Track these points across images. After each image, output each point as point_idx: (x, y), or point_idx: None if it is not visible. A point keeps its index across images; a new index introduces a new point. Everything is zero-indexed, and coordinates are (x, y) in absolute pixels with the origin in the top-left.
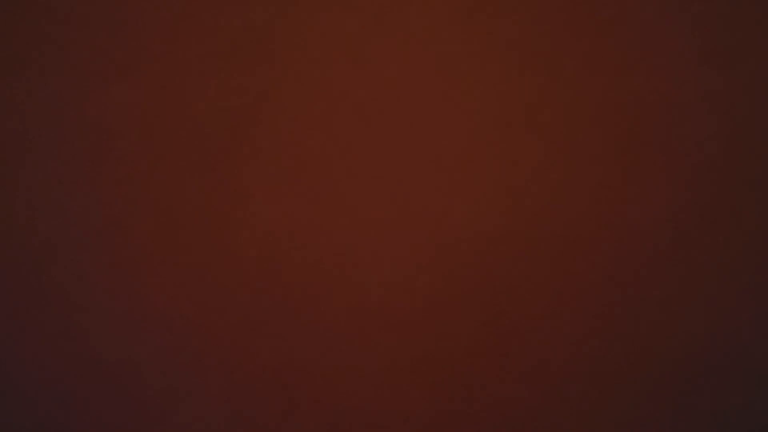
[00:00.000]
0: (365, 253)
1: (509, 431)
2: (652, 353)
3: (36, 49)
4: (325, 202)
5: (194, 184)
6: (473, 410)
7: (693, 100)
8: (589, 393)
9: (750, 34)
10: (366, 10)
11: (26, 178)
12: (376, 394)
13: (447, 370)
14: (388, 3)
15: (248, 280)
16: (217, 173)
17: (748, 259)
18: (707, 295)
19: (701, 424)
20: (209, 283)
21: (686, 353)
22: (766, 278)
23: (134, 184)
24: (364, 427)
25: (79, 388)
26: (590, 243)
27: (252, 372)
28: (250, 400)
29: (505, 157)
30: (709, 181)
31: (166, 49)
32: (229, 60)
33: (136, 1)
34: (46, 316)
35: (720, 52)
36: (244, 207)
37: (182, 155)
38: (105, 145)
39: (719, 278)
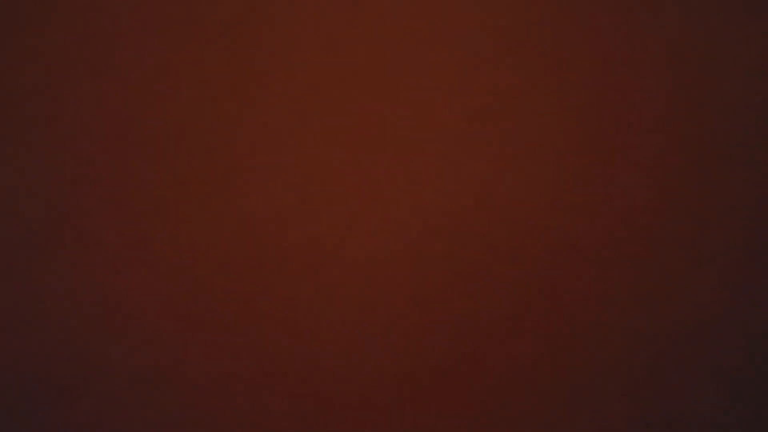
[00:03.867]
0: (348, 247)
1: (487, 420)
2: (631, 344)
3: (17, 42)
4: (307, 196)
5: (178, 178)
6: (452, 403)
7: (672, 95)
8: (568, 385)
9: (733, 27)
10: (346, 3)
11: (7, 173)
12: (358, 387)
13: (429, 365)
14: None
15: (230, 273)
16: (201, 166)
17: (732, 256)
18: (692, 288)
19: (685, 422)
20: (194, 275)
21: (672, 349)
22: (751, 274)
23: (116, 179)
24: (346, 419)
25: (58, 387)
26: (570, 235)
27: (236, 368)
28: (235, 397)
29: (487, 151)
30: (687, 176)
31: (149, 40)
32: (212, 54)
33: None
34: (24, 313)
35: (700, 46)
36: (228, 200)
37: (165, 149)
38: (89, 140)
39: (704, 270)
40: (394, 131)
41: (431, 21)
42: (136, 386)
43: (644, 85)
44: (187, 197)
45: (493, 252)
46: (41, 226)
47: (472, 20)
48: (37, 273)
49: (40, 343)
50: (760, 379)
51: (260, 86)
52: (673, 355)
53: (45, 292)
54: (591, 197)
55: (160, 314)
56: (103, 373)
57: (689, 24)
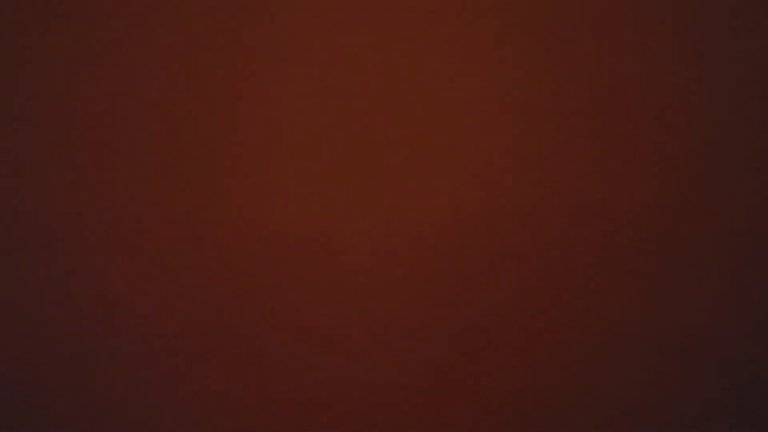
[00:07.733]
0: (345, 248)
1: (483, 422)
2: (633, 346)
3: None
4: (309, 195)
5: (178, 175)
6: (448, 402)
7: (675, 94)
8: (570, 387)
9: (733, 26)
10: (346, 2)
11: (5, 171)
12: (354, 387)
13: (425, 364)
14: None
15: (228, 273)
16: (202, 164)
17: (736, 257)
18: (694, 288)
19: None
20: (190, 277)
21: (672, 348)
22: (753, 275)
23: (112, 179)
24: (343, 420)
25: (58, 383)
26: (568, 236)
27: (231, 372)
28: (228, 403)
29: (486, 150)
30: (691, 174)
31: (143, 39)
32: (212, 51)
33: None
34: (24, 310)
35: (701, 45)
36: (225, 201)
37: (167, 146)
38: (88, 138)
39: (707, 269)
40: (396, 130)
41: (433, 21)
42: (134, 386)
43: (647, 84)
44: (187, 195)
45: (497, 253)
46: (39, 224)
47: (473, 20)
48: (35, 272)
49: (38, 342)
50: (761, 380)
51: (262, 82)
52: (676, 356)
53: (43, 290)
54: (594, 198)
55: (160, 313)
56: (102, 373)
57: (691, 23)
